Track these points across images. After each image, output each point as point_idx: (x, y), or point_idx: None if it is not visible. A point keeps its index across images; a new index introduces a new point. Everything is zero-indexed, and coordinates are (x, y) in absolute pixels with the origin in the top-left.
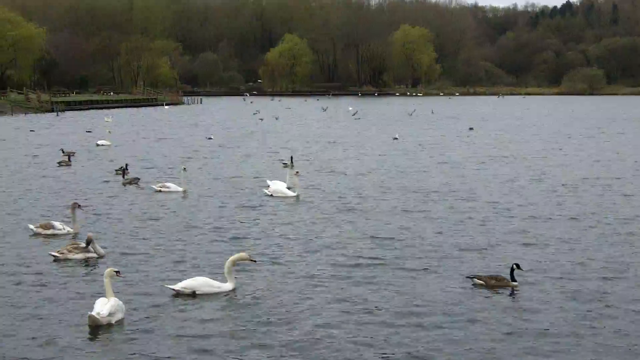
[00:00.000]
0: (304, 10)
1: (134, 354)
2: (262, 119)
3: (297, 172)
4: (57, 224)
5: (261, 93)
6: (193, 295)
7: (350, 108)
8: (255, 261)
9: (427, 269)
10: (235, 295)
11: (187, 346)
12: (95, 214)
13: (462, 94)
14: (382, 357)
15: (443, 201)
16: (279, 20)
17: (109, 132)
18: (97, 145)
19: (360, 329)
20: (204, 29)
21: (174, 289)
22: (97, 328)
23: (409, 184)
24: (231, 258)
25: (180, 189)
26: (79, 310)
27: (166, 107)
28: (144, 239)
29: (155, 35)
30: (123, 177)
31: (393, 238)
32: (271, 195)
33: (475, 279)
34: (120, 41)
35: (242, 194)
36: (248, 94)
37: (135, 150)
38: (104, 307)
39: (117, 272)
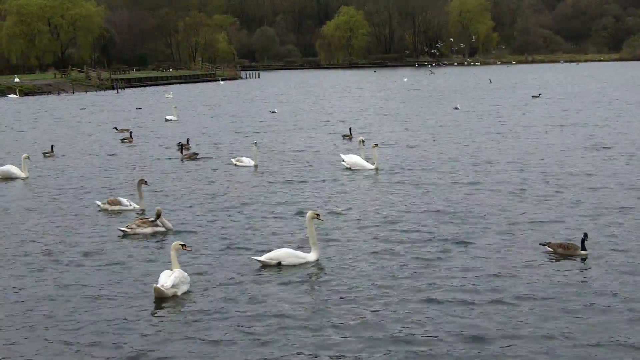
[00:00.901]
0: None
1: (209, 328)
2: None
3: (375, 144)
4: (124, 200)
5: (318, 66)
6: (279, 266)
7: (406, 79)
8: (321, 219)
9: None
10: (317, 267)
11: (264, 320)
12: (160, 190)
13: (520, 62)
14: (471, 336)
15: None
16: None
17: (175, 107)
18: (166, 120)
19: (443, 307)
20: (261, 4)
21: (259, 260)
22: (162, 299)
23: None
24: (307, 220)
25: (252, 163)
26: (148, 283)
27: (222, 82)
28: (215, 211)
29: (213, 10)
30: (181, 152)
31: (472, 212)
32: (349, 168)
33: (547, 246)
34: (178, 17)
35: (318, 168)
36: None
37: (201, 124)
38: (168, 279)
39: (183, 245)
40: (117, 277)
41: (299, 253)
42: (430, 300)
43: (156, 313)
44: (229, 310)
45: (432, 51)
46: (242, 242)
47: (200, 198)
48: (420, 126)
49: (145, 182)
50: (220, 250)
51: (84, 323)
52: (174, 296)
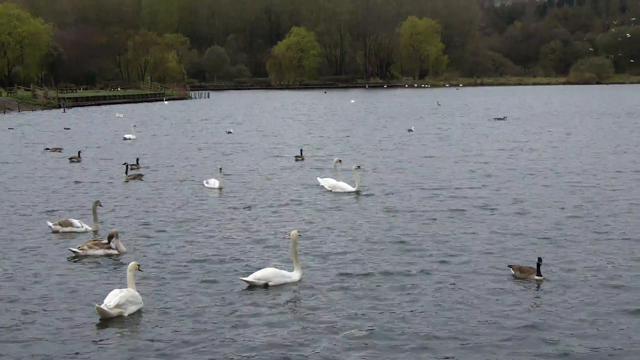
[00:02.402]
0: (311, 3)
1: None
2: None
3: (358, 166)
4: (75, 221)
5: (269, 87)
6: (266, 286)
7: (353, 101)
8: (300, 235)
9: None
10: (301, 287)
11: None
12: (112, 210)
13: (469, 85)
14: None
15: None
16: (286, 13)
17: (134, 125)
18: (125, 139)
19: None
20: (212, 23)
21: (247, 281)
22: (106, 320)
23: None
24: (291, 239)
25: (217, 185)
26: (94, 303)
27: (166, 102)
28: (175, 235)
29: (163, 29)
30: (126, 173)
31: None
32: (330, 190)
33: (511, 269)
34: (127, 36)
35: (292, 191)
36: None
37: (160, 144)
38: (113, 298)
39: (138, 265)
40: (63, 297)
41: (285, 272)
42: None
43: (99, 335)
44: (180, 330)
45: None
46: (199, 264)
47: (152, 220)
48: (376, 148)
49: (100, 204)
50: (175, 273)
51: (25, 344)
52: (120, 317)
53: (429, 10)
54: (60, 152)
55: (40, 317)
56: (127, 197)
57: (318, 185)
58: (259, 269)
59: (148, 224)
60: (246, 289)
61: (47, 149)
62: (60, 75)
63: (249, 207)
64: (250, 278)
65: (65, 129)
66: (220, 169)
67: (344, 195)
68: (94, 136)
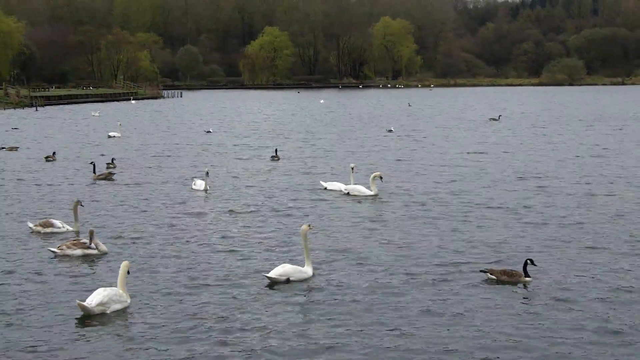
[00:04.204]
0: (284, 3)
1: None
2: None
3: (379, 175)
4: (57, 222)
5: (242, 86)
6: (287, 281)
7: (322, 101)
8: (311, 228)
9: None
10: (315, 283)
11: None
12: (91, 211)
13: (441, 86)
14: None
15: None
16: (259, 13)
17: (119, 124)
18: (109, 136)
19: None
20: (184, 22)
21: (269, 277)
22: (89, 317)
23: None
24: (301, 234)
25: (203, 187)
26: (73, 305)
27: (133, 101)
28: (154, 237)
29: (136, 28)
30: (94, 171)
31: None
32: (347, 193)
33: (488, 273)
34: (100, 35)
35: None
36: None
37: (146, 141)
38: (96, 296)
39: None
40: (42, 298)
41: (302, 268)
42: None
43: (81, 332)
44: (167, 325)
45: None
46: (186, 263)
47: (135, 221)
48: (359, 148)
49: (81, 203)
50: (161, 272)
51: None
52: (103, 314)
53: (402, 11)
54: (16, 151)
55: (22, 315)
56: (105, 198)
57: (324, 189)
58: (246, 265)
59: (131, 225)
60: (267, 286)
61: (3, 147)
62: (33, 74)
63: (232, 211)
64: (273, 274)
65: (13, 128)
66: (207, 172)
67: (360, 199)
68: (73, 135)
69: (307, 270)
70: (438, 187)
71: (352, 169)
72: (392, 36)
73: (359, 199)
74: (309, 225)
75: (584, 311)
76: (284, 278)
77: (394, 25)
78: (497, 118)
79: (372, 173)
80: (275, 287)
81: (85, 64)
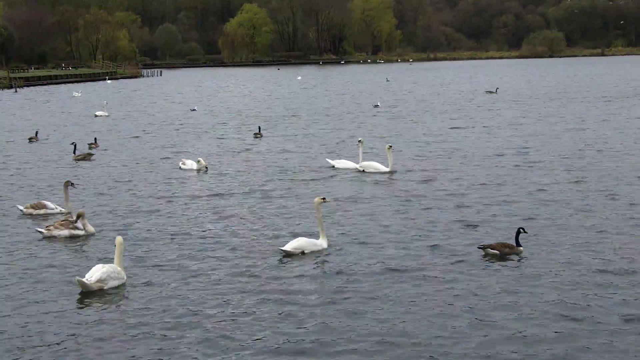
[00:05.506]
0: None
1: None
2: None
3: (390, 145)
4: (49, 203)
5: (221, 64)
6: (302, 254)
7: (299, 77)
8: (328, 200)
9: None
10: (328, 256)
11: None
12: (82, 190)
13: (421, 60)
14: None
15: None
16: None
17: (106, 103)
18: (96, 115)
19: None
20: (163, 1)
21: (284, 250)
22: (89, 294)
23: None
24: (315, 206)
25: (195, 167)
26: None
27: (109, 81)
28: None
29: (114, 7)
30: (74, 152)
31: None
32: (363, 171)
33: (488, 249)
34: (78, 15)
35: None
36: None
37: (136, 120)
38: (95, 273)
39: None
40: (34, 279)
41: (316, 241)
42: None
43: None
44: (163, 305)
45: None
46: (181, 240)
47: (125, 200)
48: (351, 124)
49: (72, 184)
50: (155, 249)
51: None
52: (101, 290)
53: None
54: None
55: (18, 292)
56: (94, 177)
57: (331, 166)
58: (236, 242)
59: (121, 205)
60: (281, 258)
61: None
62: (11, 56)
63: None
64: (288, 247)
65: None
66: (199, 160)
67: (376, 176)
68: (57, 116)
69: (322, 242)
70: (449, 164)
71: (360, 142)
72: (372, 11)
73: (374, 177)
74: (323, 198)
75: None
76: (298, 251)
77: (373, 0)
78: (494, 91)
79: (385, 144)
80: (290, 259)
81: (64, 45)
